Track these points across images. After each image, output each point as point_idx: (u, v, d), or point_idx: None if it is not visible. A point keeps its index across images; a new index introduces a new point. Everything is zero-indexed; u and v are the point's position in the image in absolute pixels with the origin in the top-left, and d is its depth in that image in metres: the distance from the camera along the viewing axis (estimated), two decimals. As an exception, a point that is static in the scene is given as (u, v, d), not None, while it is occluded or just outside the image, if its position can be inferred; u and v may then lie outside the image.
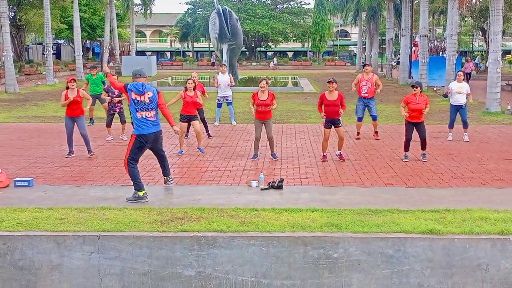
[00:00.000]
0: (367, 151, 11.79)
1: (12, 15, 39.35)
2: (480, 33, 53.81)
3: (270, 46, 74.51)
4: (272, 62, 62.70)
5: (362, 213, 7.33)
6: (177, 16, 76.95)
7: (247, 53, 71.69)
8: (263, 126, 10.80)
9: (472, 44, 66.23)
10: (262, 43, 73.00)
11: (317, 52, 67.80)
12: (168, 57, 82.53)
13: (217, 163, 10.55)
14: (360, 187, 8.88)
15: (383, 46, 49.59)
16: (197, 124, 11.51)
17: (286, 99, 23.09)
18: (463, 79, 13.30)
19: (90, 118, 15.41)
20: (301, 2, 71.81)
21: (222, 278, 6.52)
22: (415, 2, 37.70)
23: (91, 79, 15.77)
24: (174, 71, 52.89)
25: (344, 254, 6.50)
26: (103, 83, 15.17)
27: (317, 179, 9.37)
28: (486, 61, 28.48)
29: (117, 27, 49.73)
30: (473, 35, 64.08)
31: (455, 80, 14.17)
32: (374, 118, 13.30)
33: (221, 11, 29.96)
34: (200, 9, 70.15)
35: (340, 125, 10.69)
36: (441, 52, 39.38)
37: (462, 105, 12.97)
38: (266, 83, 10.71)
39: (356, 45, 64.56)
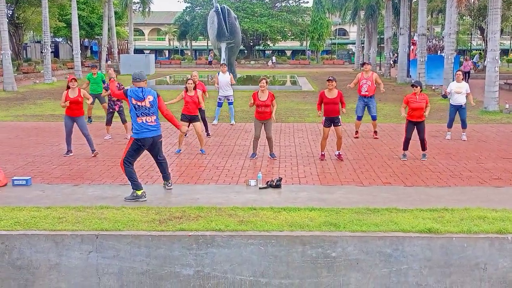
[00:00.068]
0: (366, 150, 11.80)
1: (10, 13, 39.28)
2: (479, 32, 53.87)
3: (269, 45, 74.51)
4: (270, 61, 62.69)
5: (360, 212, 7.33)
6: (175, 15, 76.90)
7: (245, 51, 71.69)
8: (263, 125, 10.80)
9: (471, 43, 66.30)
10: (261, 41, 73.01)
11: (315, 51, 67.83)
12: (167, 55, 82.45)
13: (216, 162, 10.55)
14: (358, 186, 8.88)
15: (382, 45, 49.67)
16: (198, 125, 11.45)
17: (284, 98, 23.08)
18: (462, 79, 13.30)
19: (89, 117, 15.39)
20: (299, 0, 71.90)
21: (220, 277, 6.52)
22: (413, 0, 37.73)
23: (91, 78, 15.71)
24: (172, 70, 52.84)
25: (342, 253, 6.50)
26: (104, 82, 15.13)
27: (316, 178, 9.37)
28: (484, 60, 28.48)
29: (116, 26, 49.62)
30: (471, 34, 64.16)
31: (453, 80, 14.17)
32: (374, 118, 13.30)
33: (220, 10, 29.96)
34: (198, 8, 70.16)
35: (339, 124, 10.69)
36: (439, 51, 39.37)
37: (461, 105, 12.97)
38: (266, 82, 10.70)
39: (354, 43, 64.54)
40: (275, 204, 7.73)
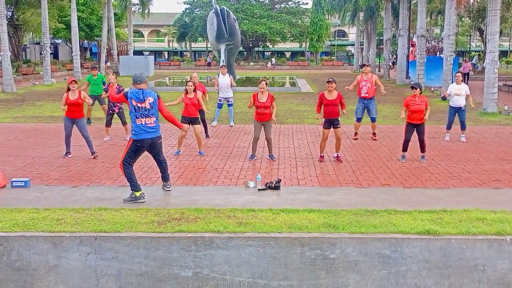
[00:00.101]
0: (365, 152, 11.80)
1: (10, 15, 39.30)
2: (478, 33, 53.95)
3: (268, 46, 74.54)
4: (270, 62, 62.73)
5: (359, 213, 7.33)
6: (175, 16, 76.97)
7: (244, 53, 71.72)
8: (262, 127, 10.81)
9: (470, 44, 66.38)
10: (260, 43, 73.04)
11: (314, 52, 67.87)
12: (166, 57, 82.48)
13: (215, 164, 10.55)
14: (357, 187, 8.88)
15: (381, 46, 49.67)
16: (198, 128, 11.44)
17: (283, 99, 23.09)
18: (462, 80, 13.30)
19: (88, 118, 15.39)
20: (299, 2, 72.01)
21: (219, 279, 6.52)
22: (412, 2, 37.77)
23: (92, 80, 15.70)
24: (171, 71, 52.87)
25: (341, 254, 6.50)
26: (104, 83, 15.13)
27: (315, 180, 9.37)
28: (483, 62, 28.50)
29: (115, 27, 49.61)
30: (470, 36, 64.25)
31: (452, 81, 14.18)
32: (373, 120, 13.30)
33: (219, 11, 29.99)
34: (198, 9, 70.20)
35: (339, 126, 10.69)
36: (438, 53, 39.42)
37: (461, 107, 12.98)
38: (266, 84, 10.71)
39: (353, 45, 64.59)
40: (274, 205, 7.73)
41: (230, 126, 15.46)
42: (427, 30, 44.95)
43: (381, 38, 48.20)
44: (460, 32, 57.50)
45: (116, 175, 9.51)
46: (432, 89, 26.93)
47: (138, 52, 67.57)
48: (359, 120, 13.30)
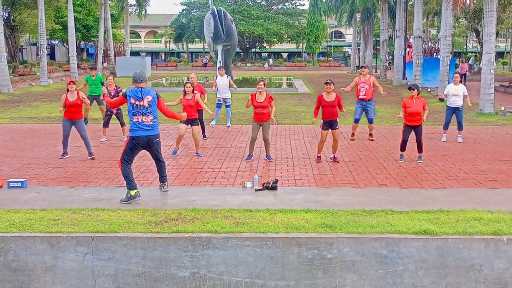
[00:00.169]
0: (362, 152, 11.81)
1: (6, 16, 39.19)
2: (474, 34, 54.05)
3: (265, 47, 74.53)
4: (267, 63, 62.74)
5: (356, 213, 7.34)
6: (171, 17, 76.92)
7: (241, 54, 71.70)
8: (260, 127, 10.81)
9: (466, 45, 66.49)
10: (257, 44, 73.03)
11: (311, 53, 67.89)
12: (163, 58, 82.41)
13: (212, 164, 10.55)
14: (354, 188, 8.89)
15: (378, 47, 49.75)
16: (196, 129, 11.42)
17: (280, 100, 23.10)
18: (460, 81, 13.33)
19: (85, 118, 15.36)
20: (295, 3, 71.94)
21: (216, 279, 6.52)
22: (409, 3, 37.83)
23: (90, 80, 15.70)
24: (168, 72, 52.86)
25: (338, 254, 6.51)
26: (102, 84, 15.12)
27: (312, 180, 9.38)
28: (480, 63, 28.58)
29: (112, 28, 49.58)
30: (467, 37, 64.37)
31: (451, 81, 14.21)
32: (370, 121, 13.32)
33: (216, 12, 29.97)
34: (194, 10, 70.14)
35: (337, 127, 10.69)
36: (435, 53, 39.49)
37: (458, 107, 13.01)
38: (264, 84, 10.72)
39: (350, 46, 64.70)
40: (271, 206, 7.73)
41: (227, 126, 15.46)
42: (424, 31, 45.02)
43: (377, 39, 48.38)
44: (456, 33, 57.58)
45: (113, 176, 9.50)
46: (429, 89, 26.99)
47: (135, 53, 67.63)
48: (356, 121, 13.31)
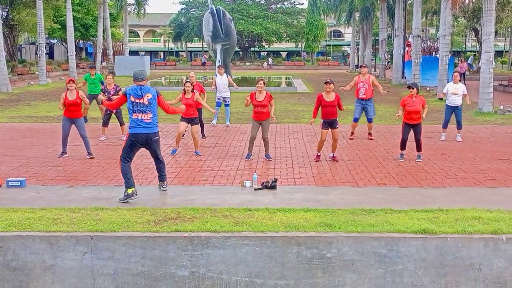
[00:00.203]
0: (361, 151, 11.81)
1: (5, 15, 39.18)
2: (473, 33, 54.06)
3: (264, 46, 74.54)
4: (266, 62, 62.73)
5: (355, 213, 7.34)
6: (170, 16, 76.86)
7: (240, 53, 71.70)
8: (260, 126, 10.81)
9: (465, 44, 66.55)
10: (256, 43, 73.01)
11: (310, 52, 67.90)
12: (162, 57, 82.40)
13: (211, 163, 10.54)
14: (353, 187, 8.89)
15: (376, 46, 49.75)
16: (195, 128, 11.40)
17: (279, 99, 23.09)
18: (459, 80, 13.33)
19: (84, 117, 15.34)
20: (294, 2, 71.97)
21: (215, 278, 6.51)
22: (408, 2, 37.84)
23: (89, 79, 15.68)
24: (167, 71, 52.83)
25: (337, 254, 6.51)
26: (102, 83, 15.11)
27: (311, 179, 9.38)
28: (479, 62, 28.61)
29: (111, 27, 49.55)
30: (466, 36, 64.37)
31: (450, 80, 14.21)
32: (370, 121, 13.32)
33: (215, 11, 29.98)
34: (193, 9, 70.09)
35: (337, 126, 10.68)
36: (434, 53, 39.49)
37: (457, 106, 13.01)
38: (264, 83, 10.71)
39: (349, 45, 64.70)
40: (270, 205, 7.73)
41: (226, 126, 15.46)
42: (423, 30, 45.02)
43: (376, 38, 48.35)
44: (455, 32, 57.66)
45: (112, 175, 9.50)
46: (428, 89, 26.98)
47: (133, 52, 67.50)
48: (356, 120, 13.31)
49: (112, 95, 12.87)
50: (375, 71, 45.81)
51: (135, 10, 55.09)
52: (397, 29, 33.86)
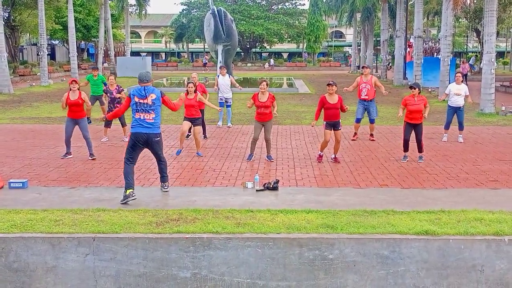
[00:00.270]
0: (362, 152, 11.81)
1: (6, 16, 39.19)
2: (474, 34, 54.05)
3: (265, 47, 74.54)
4: (267, 63, 62.74)
5: (357, 214, 7.33)
6: (172, 17, 76.95)
7: (242, 54, 71.70)
8: (263, 127, 10.81)
9: (467, 45, 66.50)
10: (257, 44, 73.04)
11: (312, 53, 67.87)
12: (163, 58, 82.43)
13: (213, 165, 10.54)
14: (355, 188, 8.88)
15: (378, 47, 49.75)
16: (197, 129, 11.41)
17: (281, 100, 23.07)
18: (462, 81, 13.33)
19: (87, 118, 15.36)
20: (296, 3, 71.99)
21: (217, 279, 6.51)
22: (409, 3, 37.82)
23: (92, 80, 15.70)
24: (169, 72, 52.85)
25: (339, 255, 6.50)
26: (104, 84, 15.12)
27: (313, 180, 9.37)
28: (480, 62, 28.61)
29: (112, 28, 49.60)
30: (467, 36, 64.38)
31: (453, 81, 14.20)
32: (372, 122, 13.30)
33: (216, 12, 29.99)
34: (195, 10, 70.16)
35: (340, 128, 10.67)
36: (435, 53, 39.49)
37: (460, 107, 13.00)
38: (267, 84, 10.71)
39: (351, 46, 64.70)
40: (272, 206, 7.73)
41: (228, 127, 15.46)
42: (424, 31, 45.05)
43: (378, 39, 48.36)
44: (457, 33, 57.58)
45: (114, 176, 9.50)
46: (430, 89, 26.97)
47: (135, 53, 67.65)
48: (358, 121, 13.30)
49: (114, 96, 12.94)
50: (376, 72, 45.80)
51: (137, 11, 55.17)
52: (398, 29, 33.85)
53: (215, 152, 11.75)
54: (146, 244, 6.53)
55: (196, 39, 71.88)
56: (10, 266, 6.57)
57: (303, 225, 6.87)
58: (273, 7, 71.97)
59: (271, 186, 8.66)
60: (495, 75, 18.79)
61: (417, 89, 10.66)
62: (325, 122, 10.63)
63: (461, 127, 13.15)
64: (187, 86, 11.50)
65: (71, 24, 35.96)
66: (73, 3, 37.14)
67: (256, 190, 8.60)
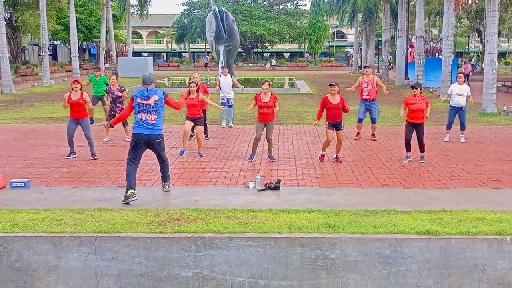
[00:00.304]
0: (364, 152, 11.80)
1: (8, 16, 39.27)
2: (476, 34, 54.02)
3: (267, 47, 74.56)
4: (269, 63, 62.74)
5: (359, 213, 7.33)
6: (173, 17, 76.98)
7: (243, 54, 71.69)
8: (265, 127, 10.81)
9: (468, 45, 66.47)
10: (259, 44, 73.05)
11: (313, 53, 67.88)
12: (165, 58, 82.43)
13: (214, 164, 10.55)
14: (357, 188, 8.88)
15: (379, 47, 49.74)
16: (199, 129, 11.41)
17: (283, 100, 23.07)
18: (464, 81, 13.31)
19: (90, 118, 15.37)
20: (297, 3, 71.95)
21: (219, 279, 6.52)
22: (411, 3, 37.82)
23: (93, 80, 15.72)
24: (171, 72, 52.86)
25: (341, 255, 6.50)
26: (106, 84, 15.14)
27: (314, 180, 9.37)
28: (482, 62, 28.57)
29: (114, 28, 49.65)
30: (469, 36, 64.35)
31: (454, 81, 14.20)
32: (373, 121, 13.29)
33: (218, 12, 30.00)
34: (196, 10, 70.19)
35: (342, 128, 10.68)
36: (437, 53, 39.48)
37: (462, 107, 13.00)
38: (269, 84, 10.71)
39: (352, 46, 64.68)
40: (273, 206, 7.73)
41: (229, 126, 15.46)
42: (426, 31, 45.03)
43: (379, 39, 48.32)
44: (458, 33, 57.60)
45: (115, 176, 9.51)
46: (431, 90, 26.95)
47: (137, 54, 67.61)
48: (360, 120, 13.30)
49: (116, 96, 12.96)
50: (378, 72, 45.78)
51: (138, 12, 55.22)
52: (400, 30, 33.84)
53: (216, 152, 11.76)
54: (147, 244, 6.54)
55: (198, 40, 71.94)
56: (12, 265, 6.58)
57: (305, 225, 6.87)
58: (274, 8, 71.97)
59: (273, 185, 8.67)
60: (496, 75, 18.78)
61: (418, 89, 10.66)
62: (327, 122, 10.63)
63: (462, 127, 13.14)
64: (189, 86, 11.52)
65: (73, 24, 36.01)
66: (74, 4, 37.18)
67: (258, 190, 8.61)
